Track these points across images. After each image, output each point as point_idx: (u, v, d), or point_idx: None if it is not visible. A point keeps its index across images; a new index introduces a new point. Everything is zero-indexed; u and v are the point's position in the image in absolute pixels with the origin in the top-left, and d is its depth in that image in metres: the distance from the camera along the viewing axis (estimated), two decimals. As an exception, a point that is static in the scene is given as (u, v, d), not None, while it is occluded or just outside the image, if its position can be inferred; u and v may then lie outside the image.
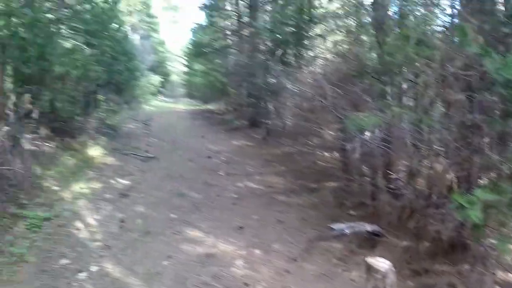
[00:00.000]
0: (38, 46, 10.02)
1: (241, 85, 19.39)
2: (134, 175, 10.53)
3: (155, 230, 7.11)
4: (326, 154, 10.96)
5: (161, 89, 36.80)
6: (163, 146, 14.42)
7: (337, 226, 5.96)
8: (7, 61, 9.80)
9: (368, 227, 6.28)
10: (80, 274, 5.66)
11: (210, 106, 26.65)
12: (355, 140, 8.27)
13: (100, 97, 17.79)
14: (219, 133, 17.16)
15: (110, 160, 11.87)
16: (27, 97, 10.03)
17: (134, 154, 12.86)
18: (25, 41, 9.91)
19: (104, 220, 7.55)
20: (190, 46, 30.65)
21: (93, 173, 10.22)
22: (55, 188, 8.69)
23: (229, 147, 14.01)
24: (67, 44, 12.99)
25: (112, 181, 9.80)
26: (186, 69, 35.76)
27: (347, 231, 6.03)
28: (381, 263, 3.25)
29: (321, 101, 9.00)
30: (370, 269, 3.29)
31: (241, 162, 11.75)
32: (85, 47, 13.62)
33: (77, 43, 13.43)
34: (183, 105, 30.45)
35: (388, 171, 7.66)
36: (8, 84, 10.61)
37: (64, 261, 5.94)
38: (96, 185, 9.37)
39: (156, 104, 30.51)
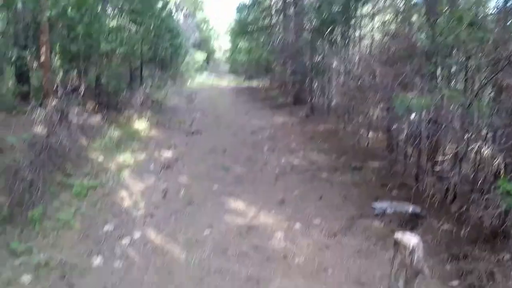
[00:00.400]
0: (85, 25, 10.21)
1: (286, 62, 19.09)
2: (178, 148, 10.60)
3: (197, 201, 7.14)
4: (370, 133, 10.65)
5: (204, 65, 36.90)
6: (207, 121, 14.46)
7: (379, 205, 5.77)
8: (55, 39, 10.04)
9: (410, 208, 6.06)
10: (123, 240, 5.77)
11: (253, 83, 26.48)
12: (402, 121, 7.99)
13: (145, 73, 18.10)
14: (263, 109, 17.02)
15: (154, 133, 12.01)
16: (74, 73, 10.28)
17: (178, 127, 12.96)
18: (72, 20, 10.12)
19: (148, 190, 7.65)
20: (234, 24, 30.50)
21: (138, 146, 10.36)
22: (100, 159, 8.87)
23: (273, 124, 13.86)
24: (113, 23, 13.19)
25: (156, 154, 9.91)
26: (229, 47, 35.70)
27: (389, 210, 5.83)
28: (409, 239, 3.01)
29: (369, 80, 8.75)
30: (398, 244, 3.07)
31: (284, 139, 11.60)
32: (131, 25, 13.80)
33: (123, 21, 13.63)
34: (226, 82, 30.38)
35: (433, 154, 7.38)
36: (56, 62, 10.90)
37: (107, 228, 6.08)
38: (141, 156, 9.50)
39: (199, 80, 30.61)
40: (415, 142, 7.46)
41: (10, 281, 4.48)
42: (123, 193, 7.38)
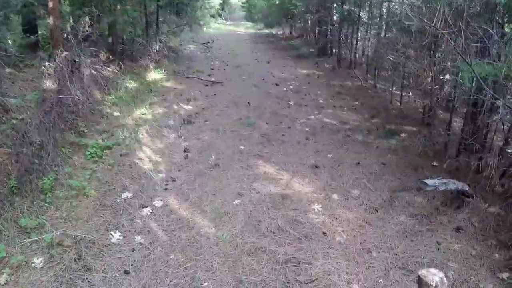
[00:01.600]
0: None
1: (311, 9, 17.93)
2: (198, 100, 9.92)
3: (223, 163, 6.53)
4: (409, 94, 9.84)
5: (221, 11, 35.54)
6: (226, 70, 13.66)
7: (431, 181, 5.08)
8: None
9: (459, 186, 5.37)
10: (143, 209, 5.22)
11: (272, 30, 25.29)
12: (447, 84, 7.17)
13: (161, 18, 17.11)
14: (285, 59, 16.10)
15: (172, 84, 11.30)
16: (86, 20, 9.42)
17: (197, 77, 12.21)
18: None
19: (168, 149, 7.07)
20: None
21: (155, 98, 9.70)
22: (116, 114, 8.27)
23: (297, 75, 13.02)
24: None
25: (175, 107, 9.25)
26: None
27: (440, 188, 5.15)
28: (433, 275, 2.56)
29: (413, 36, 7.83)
30: (421, 282, 2.62)
31: (310, 92, 10.83)
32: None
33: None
34: (243, 28, 29.11)
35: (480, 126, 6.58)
36: (66, 7, 10.00)
37: (126, 195, 5.51)
38: (159, 110, 8.87)
39: (216, 27, 29.41)
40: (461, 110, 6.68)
41: (21, 265, 3.94)
42: (142, 153, 6.80)
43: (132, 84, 10.16)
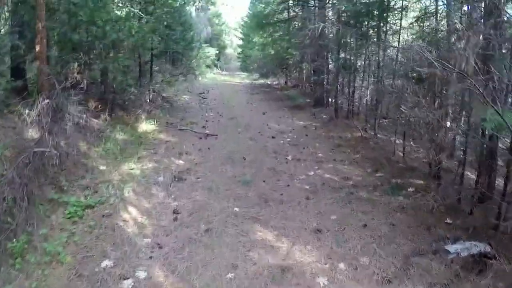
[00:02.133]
0: (89, 10, 8.94)
1: (305, 60, 17.83)
2: (190, 154, 9.41)
3: (216, 227, 5.90)
4: (411, 144, 9.38)
5: (216, 61, 35.85)
6: (221, 122, 13.24)
7: (452, 248, 4.52)
8: (54, 26, 8.78)
9: (481, 248, 4.80)
10: (124, 282, 4.56)
11: (268, 81, 25.26)
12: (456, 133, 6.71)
13: (155, 68, 16.88)
14: (281, 110, 15.77)
15: (164, 136, 10.82)
16: (74, 66, 9.01)
17: (190, 130, 11.75)
18: (75, 5, 8.86)
19: (156, 210, 6.46)
20: (248, 18, 29.43)
21: (145, 151, 9.20)
22: (102, 168, 7.72)
23: (294, 127, 12.61)
24: (121, 11, 11.96)
25: (166, 161, 8.72)
26: (242, 42, 34.59)
27: (463, 254, 4.58)
28: None
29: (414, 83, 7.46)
30: None
31: (308, 145, 10.34)
32: (141, 14, 12.55)
33: (132, 9, 12.38)
34: (238, 79, 29.22)
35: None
36: (55, 52, 9.61)
37: (106, 263, 4.88)
38: (148, 165, 8.32)
39: (211, 77, 29.52)
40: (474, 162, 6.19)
41: None
42: (127, 214, 6.19)
43: (121, 136, 9.68)
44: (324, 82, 14.99)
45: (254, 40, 28.52)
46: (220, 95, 20.18)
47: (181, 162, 8.82)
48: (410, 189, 7.30)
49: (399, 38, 11.16)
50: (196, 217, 6.22)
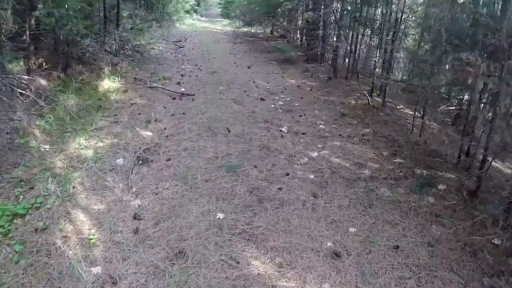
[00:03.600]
0: None
1: (300, 6, 15.66)
2: (160, 122, 7.56)
3: (191, 249, 4.16)
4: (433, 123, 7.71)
5: (196, 7, 33.09)
6: (200, 77, 11.21)
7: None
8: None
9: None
10: None
11: (252, 29, 22.93)
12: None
13: (125, 13, 14.54)
14: (269, 64, 13.77)
15: (130, 96, 8.87)
16: (7, 14, 6.84)
17: (162, 87, 9.77)
18: None
19: (111, 214, 4.70)
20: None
21: (104, 120, 7.28)
22: (45, 148, 5.88)
23: (285, 86, 10.71)
24: None
25: (129, 133, 6.85)
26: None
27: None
28: None
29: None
30: None
31: (306, 112, 8.52)
32: None
33: None
34: (220, 26, 26.63)
35: None
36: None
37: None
38: (105, 140, 6.46)
39: (190, 23, 26.89)
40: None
41: None
42: (69, 225, 4.39)
43: (75, 99, 7.70)
44: (320, 35, 12.88)
45: None
46: (199, 44, 17.94)
47: (148, 133, 6.96)
48: (441, 187, 5.64)
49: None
50: (164, 228, 4.46)
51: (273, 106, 8.87)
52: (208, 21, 29.95)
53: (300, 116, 8.26)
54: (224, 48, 17.08)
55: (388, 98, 9.29)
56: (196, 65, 12.72)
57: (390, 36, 9.10)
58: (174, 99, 9.07)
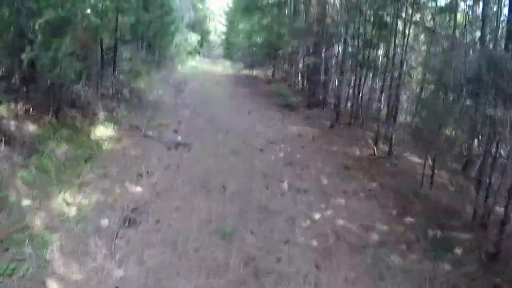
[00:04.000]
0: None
1: (301, 49, 15.44)
2: (153, 175, 7.09)
3: None
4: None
5: (199, 48, 33.23)
6: (197, 123, 10.83)
7: None
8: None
9: None
10: None
11: (253, 72, 22.78)
12: None
13: (125, 54, 14.31)
14: (270, 109, 13.41)
15: (123, 145, 8.44)
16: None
17: (158, 135, 9.37)
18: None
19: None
20: (233, 3, 27.06)
21: (93, 172, 6.83)
22: (26, 203, 5.37)
23: (286, 135, 10.29)
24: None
25: (118, 189, 6.38)
26: (226, 29, 32.12)
27: None
28: None
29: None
30: None
31: (309, 165, 8.06)
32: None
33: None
34: (222, 68, 26.60)
35: None
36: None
37: None
38: (91, 197, 5.97)
39: (192, 65, 26.90)
40: None
41: None
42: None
43: (64, 147, 7.26)
44: (321, 79, 12.55)
45: (239, 26, 26.08)
46: (200, 87, 17.67)
47: (138, 189, 6.49)
48: (457, 251, 5.11)
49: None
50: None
51: (273, 157, 8.44)
52: (211, 62, 30.02)
53: (302, 169, 7.80)
54: (224, 92, 16.84)
55: (394, 146, 8.81)
56: (195, 111, 12.37)
57: (394, 78, 8.72)
58: (169, 149, 8.63)
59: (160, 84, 16.40)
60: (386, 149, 8.85)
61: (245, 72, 22.79)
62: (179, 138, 9.40)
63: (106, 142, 8.38)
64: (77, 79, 8.55)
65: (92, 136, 8.52)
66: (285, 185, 6.93)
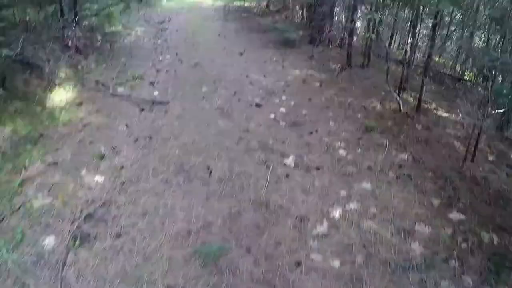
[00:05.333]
0: None
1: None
2: (118, 155, 5.47)
3: None
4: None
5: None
6: (179, 72, 8.98)
7: None
8: None
9: None
10: None
11: (245, 3, 20.36)
12: None
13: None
14: (266, 48, 11.45)
15: (84, 113, 6.71)
16: None
17: (130, 91, 7.59)
18: None
19: None
20: None
21: (40, 161, 5.16)
22: None
23: (287, 81, 8.49)
24: None
25: (70, 184, 4.75)
26: None
27: None
28: None
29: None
30: None
31: (318, 125, 6.39)
32: None
33: None
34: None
35: None
36: None
37: None
38: (34, 202, 4.37)
39: (179, -1, 24.43)
40: None
41: None
42: None
43: (8, 129, 5.60)
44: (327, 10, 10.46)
45: None
46: (185, 24, 15.50)
47: (97, 179, 4.87)
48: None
49: None
50: None
51: (272, 117, 6.72)
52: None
53: (311, 133, 6.12)
54: (213, 28, 14.69)
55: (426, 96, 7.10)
56: (176, 55, 10.44)
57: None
58: (143, 110, 6.93)
59: (139, 24, 14.34)
60: (413, 101, 7.11)
61: (238, 3, 20.37)
62: (156, 93, 7.68)
63: (63, 112, 6.65)
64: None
65: (49, 104, 6.79)
66: (290, 161, 5.28)
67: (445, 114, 7.06)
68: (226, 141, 5.75)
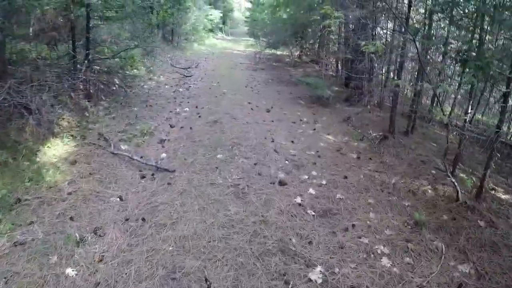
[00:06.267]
0: None
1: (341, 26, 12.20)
2: (101, 240, 4.35)
3: None
4: None
5: (221, 26, 30.58)
6: (195, 129, 7.89)
7: None
8: None
9: None
10: None
11: (277, 51, 19.63)
12: None
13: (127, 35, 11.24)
14: (295, 104, 10.31)
15: (75, 174, 5.63)
16: None
17: (129, 156, 6.45)
18: None
19: None
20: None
21: (6, 238, 4.03)
22: None
23: (320, 151, 7.21)
24: None
25: (35, 275, 3.72)
26: (251, 5, 29.31)
27: None
28: None
29: None
30: None
31: (354, 215, 5.07)
32: None
33: None
34: (243, 46, 23.46)
35: None
36: None
37: None
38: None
39: (211, 43, 23.94)
40: None
41: None
42: None
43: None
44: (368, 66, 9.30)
45: (263, 1, 23.53)
46: (212, 70, 14.69)
47: (68, 274, 3.77)
48: None
49: None
50: None
51: (299, 201, 5.40)
52: (233, 40, 27.10)
53: (346, 229, 4.78)
54: (241, 77, 13.77)
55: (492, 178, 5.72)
56: (196, 107, 9.40)
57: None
58: (143, 177, 5.79)
59: (164, 68, 13.54)
60: (469, 181, 5.74)
61: (268, 52, 19.60)
62: (163, 155, 6.59)
63: (51, 171, 5.57)
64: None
65: (39, 159, 5.75)
66: (316, 276, 3.94)
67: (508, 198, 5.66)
68: (236, 237, 4.46)
